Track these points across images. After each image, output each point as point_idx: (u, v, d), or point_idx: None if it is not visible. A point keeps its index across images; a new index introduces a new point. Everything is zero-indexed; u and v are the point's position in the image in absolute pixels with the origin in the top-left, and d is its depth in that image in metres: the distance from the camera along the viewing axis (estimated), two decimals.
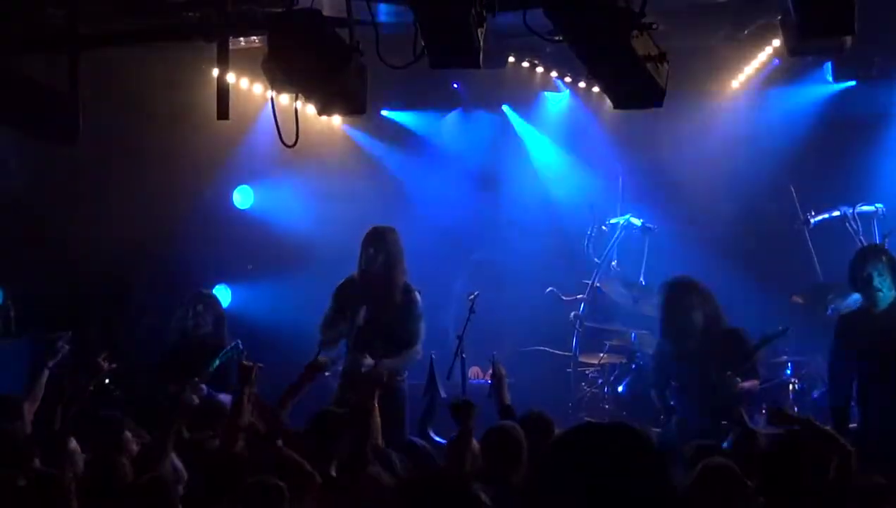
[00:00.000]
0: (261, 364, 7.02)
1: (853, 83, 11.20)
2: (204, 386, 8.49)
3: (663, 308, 8.89)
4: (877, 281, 7.70)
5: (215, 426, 7.16)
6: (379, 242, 8.81)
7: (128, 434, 6.98)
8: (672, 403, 8.72)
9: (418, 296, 8.82)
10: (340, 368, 9.08)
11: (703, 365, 8.46)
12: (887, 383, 7.66)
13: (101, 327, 10.62)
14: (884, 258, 7.87)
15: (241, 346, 8.45)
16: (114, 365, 7.54)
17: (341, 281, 9.02)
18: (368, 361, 8.52)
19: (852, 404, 7.95)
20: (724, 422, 8.20)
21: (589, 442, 2.88)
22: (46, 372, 7.49)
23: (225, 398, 8.44)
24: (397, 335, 8.69)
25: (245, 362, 7.16)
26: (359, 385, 7.74)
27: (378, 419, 7.04)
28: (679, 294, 8.71)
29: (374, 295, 8.77)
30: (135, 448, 6.92)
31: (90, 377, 7.27)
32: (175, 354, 9.43)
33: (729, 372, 8.31)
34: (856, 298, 8.51)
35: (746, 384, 8.46)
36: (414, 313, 8.78)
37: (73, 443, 6.91)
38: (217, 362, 8.91)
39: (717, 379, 8.34)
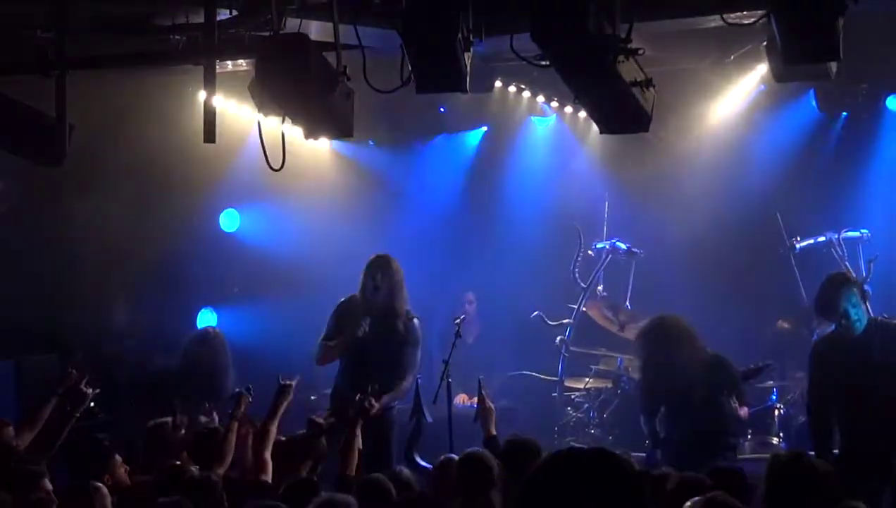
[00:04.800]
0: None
1: (844, 114, 11.26)
2: (216, 415, 8.54)
3: (641, 354, 8.92)
4: (852, 313, 7.56)
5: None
6: (383, 269, 8.68)
7: (118, 459, 6.90)
8: (659, 430, 8.71)
9: (417, 323, 8.75)
10: (328, 391, 9.05)
11: (689, 394, 8.46)
12: (868, 406, 7.63)
13: (85, 350, 10.57)
14: (855, 290, 7.68)
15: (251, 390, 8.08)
16: (97, 390, 7.49)
17: (343, 300, 8.87)
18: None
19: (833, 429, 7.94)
20: (710, 452, 8.22)
21: (568, 468, 2.88)
22: (54, 400, 7.41)
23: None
24: (395, 363, 8.61)
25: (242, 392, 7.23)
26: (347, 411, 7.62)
27: (356, 452, 6.99)
28: (653, 343, 8.71)
29: (375, 322, 8.67)
30: (124, 474, 6.85)
31: (77, 404, 7.23)
32: (168, 385, 9.43)
33: (732, 396, 8.34)
34: None
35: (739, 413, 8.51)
36: (412, 339, 8.70)
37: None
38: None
39: (705, 405, 8.37)
